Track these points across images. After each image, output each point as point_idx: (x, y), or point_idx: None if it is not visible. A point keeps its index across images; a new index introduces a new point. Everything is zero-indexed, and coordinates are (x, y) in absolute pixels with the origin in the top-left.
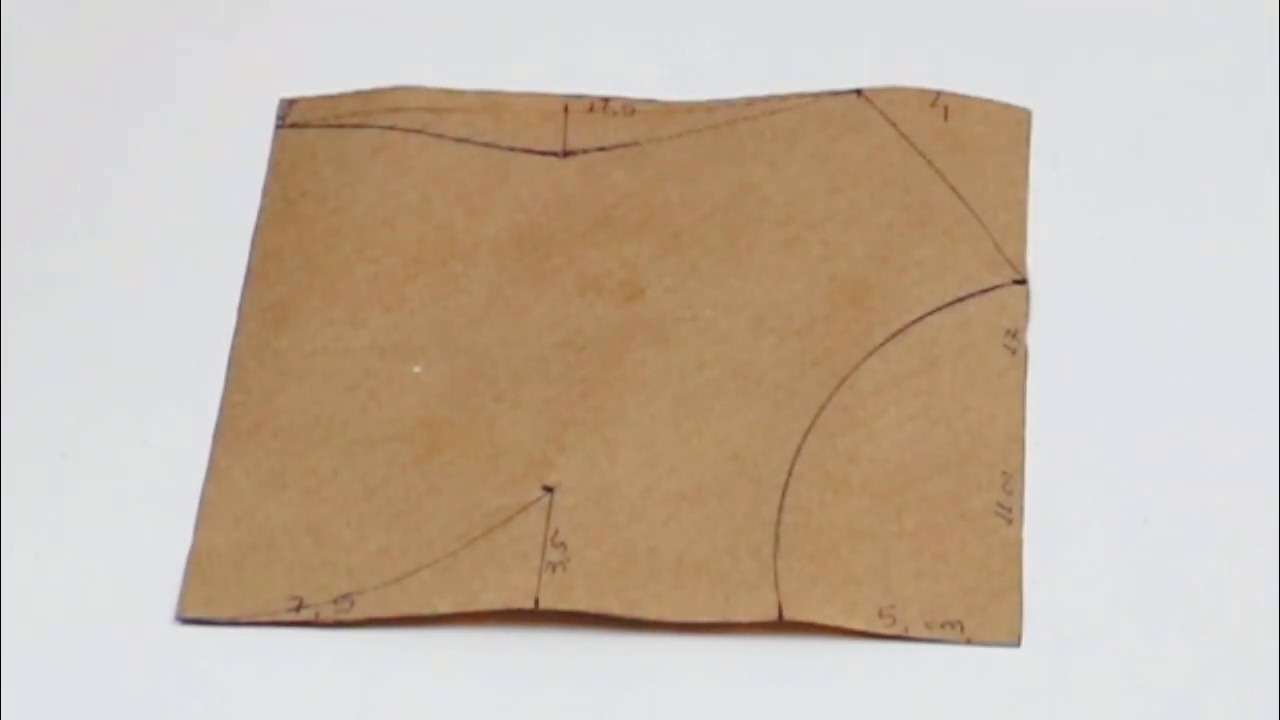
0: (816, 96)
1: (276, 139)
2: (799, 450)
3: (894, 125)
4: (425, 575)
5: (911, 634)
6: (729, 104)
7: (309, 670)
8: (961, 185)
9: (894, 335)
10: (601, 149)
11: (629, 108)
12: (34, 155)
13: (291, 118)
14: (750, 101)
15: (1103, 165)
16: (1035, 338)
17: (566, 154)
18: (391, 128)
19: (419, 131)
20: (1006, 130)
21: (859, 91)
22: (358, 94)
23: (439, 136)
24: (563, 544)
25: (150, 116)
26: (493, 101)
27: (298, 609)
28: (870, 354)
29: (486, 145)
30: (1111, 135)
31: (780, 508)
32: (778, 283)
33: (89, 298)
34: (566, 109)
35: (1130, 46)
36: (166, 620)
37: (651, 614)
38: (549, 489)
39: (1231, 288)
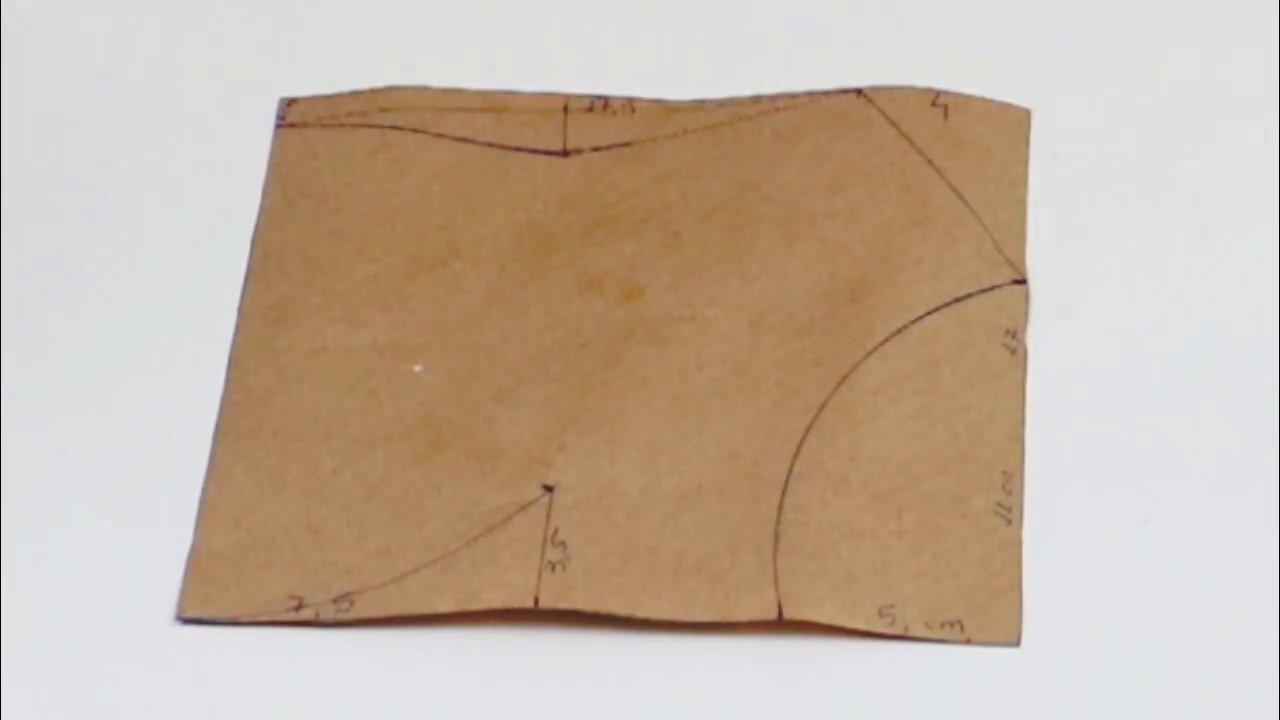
0: (816, 96)
1: (276, 139)
2: (799, 449)
3: (894, 125)
4: (425, 574)
5: (911, 634)
6: (729, 104)
7: (309, 670)
8: (961, 185)
9: (894, 334)
10: (601, 148)
11: (629, 107)
12: (34, 155)
13: (291, 118)
14: (750, 101)
15: (1103, 165)
16: (1035, 338)
17: (566, 153)
18: (391, 127)
19: (419, 131)
20: (1006, 130)
21: (859, 91)
22: (358, 94)
23: (439, 136)
24: (562, 543)
25: (150, 116)
26: (493, 101)
27: (298, 609)
28: (870, 353)
29: (486, 145)
30: (1111, 135)
31: (780, 507)
32: (777, 282)
33: (89, 298)
34: (566, 109)
35: (1130, 46)
36: (166, 620)
37: (651, 613)
38: (549, 488)
39: (1231, 287)
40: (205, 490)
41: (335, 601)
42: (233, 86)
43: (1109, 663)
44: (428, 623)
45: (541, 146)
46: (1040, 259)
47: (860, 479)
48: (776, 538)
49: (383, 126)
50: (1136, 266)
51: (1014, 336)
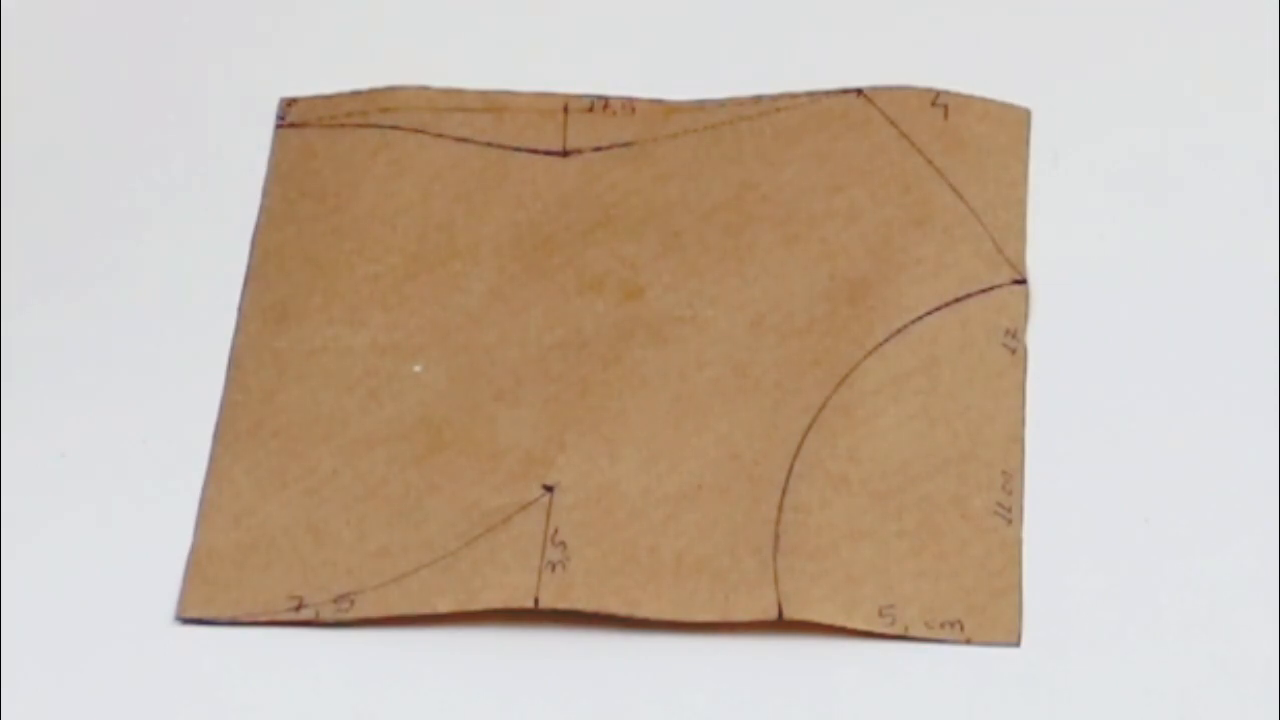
0: (816, 96)
1: (276, 139)
2: (799, 449)
3: (894, 125)
4: (425, 574)
5: (911, 634)
6: (729, 104)
7: (309, 670)
8: (961, 185)
9: (894, 335)
10: (601, 148)
11: (629, 107)
12: (34, 156)
13: (291, 117)
14: (750, 101)
15: (1103, 165)
16: (1035, 338)
17: (566, 154)
18: (391, 127)
19: (419, 131)
20: (1006, 130)
21: (859, 91)
22: (358, 94)
23: (439, 136)
24: (562, 543)
25: (150, 116)
26: (493, 101)
27: (298, 609)
28: (870, 353)
29: (486, 145)
30: (1111, 135)
31: (780, 507)
32: (777, 282)
33: (89, 298)
34: (566, 109)
35: (1130, 46)
36: (166, 620)
37: (651, 613)
38: (549, 488)
39: (1231, 287)
40: (205, 490)
41: (335, 601)
42: (233, 86)
43: (1109, 663)
44: (428, 623)
45: (541, 146)
46: (1040, 259)
47: (860, 479)
48: (776, 538)
49: (383, 126)
50: (1136, 266)
51: (1014, 336)
